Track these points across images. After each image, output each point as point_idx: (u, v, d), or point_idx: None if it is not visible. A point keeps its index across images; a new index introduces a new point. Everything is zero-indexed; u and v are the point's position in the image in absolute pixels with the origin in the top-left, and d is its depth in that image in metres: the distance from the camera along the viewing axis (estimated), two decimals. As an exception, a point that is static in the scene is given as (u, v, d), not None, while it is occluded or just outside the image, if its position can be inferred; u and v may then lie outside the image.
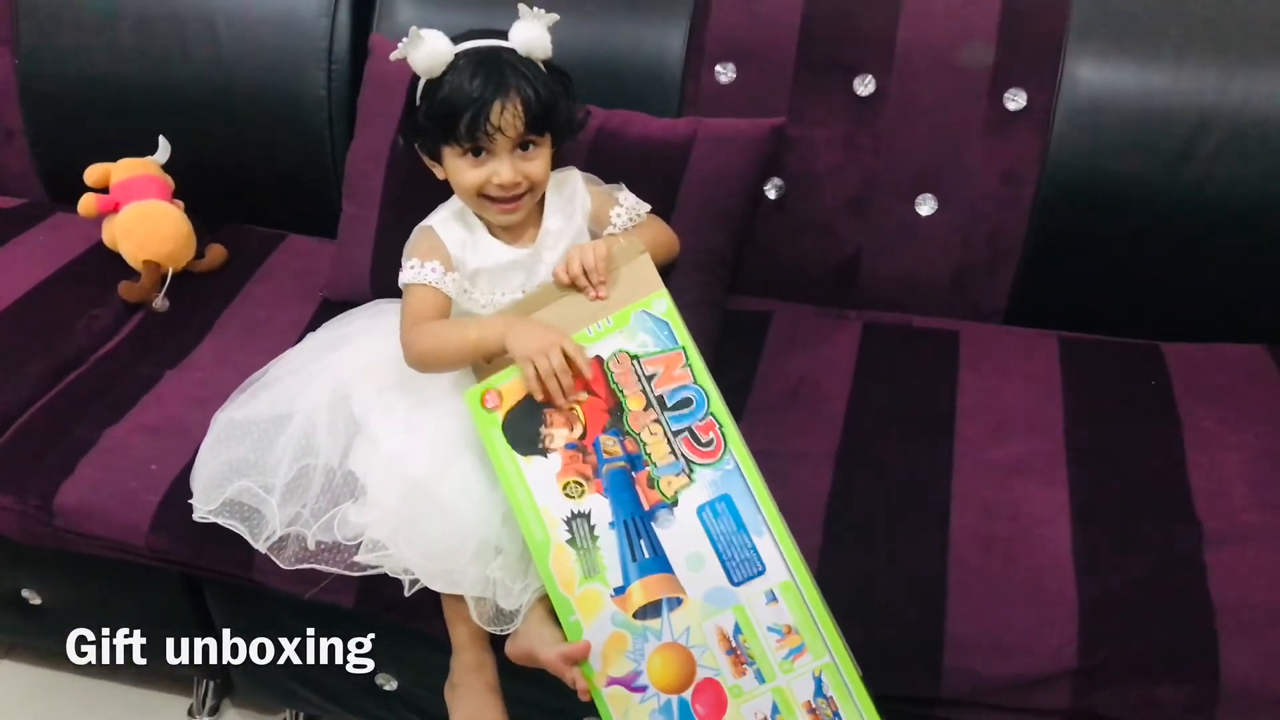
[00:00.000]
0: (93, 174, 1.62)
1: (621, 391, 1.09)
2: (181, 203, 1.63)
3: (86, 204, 1.60)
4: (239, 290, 1.57)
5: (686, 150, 1.41)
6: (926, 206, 1.50)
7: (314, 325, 1.40)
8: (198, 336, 1.48)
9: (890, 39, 1.46)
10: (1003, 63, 1.44)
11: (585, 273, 1.13)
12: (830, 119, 1.49)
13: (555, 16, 1.16)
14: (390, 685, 1.36)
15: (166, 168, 1.65)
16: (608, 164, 1.40)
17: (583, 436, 1.08)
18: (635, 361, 1.09)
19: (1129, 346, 1.45)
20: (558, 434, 1.08)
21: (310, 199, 1.68)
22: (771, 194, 1.53)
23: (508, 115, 1.12)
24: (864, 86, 1.48)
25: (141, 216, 1.56)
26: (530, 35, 1.15)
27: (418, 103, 1.18)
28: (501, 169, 1.15)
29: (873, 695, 1.04)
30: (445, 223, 1.22)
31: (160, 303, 1.54)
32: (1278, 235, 1.40)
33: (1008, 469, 1.26)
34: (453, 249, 1.20)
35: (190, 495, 1.20)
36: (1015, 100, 1.45)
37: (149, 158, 1.64)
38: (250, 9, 1.64)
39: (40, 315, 1.51)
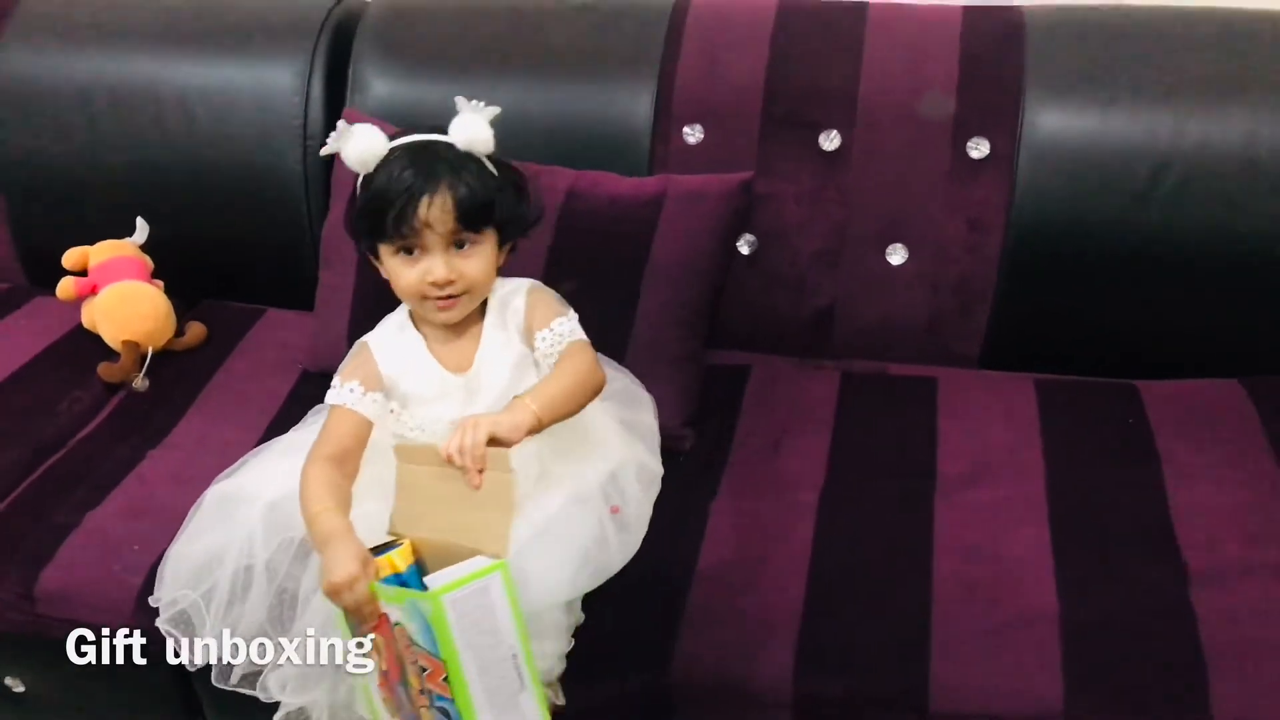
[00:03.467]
0: (70, 257, 1.63)
1: (403, 663, 0.98)
2: (161, 282, 1.64)
3: (65, 287, 1.61)
4: (219, 366, 1.57)
5: (657, 207, 1.42)
6: (897, 256, 1.52)
7: (293, 398, 1.40)
8: (178, 414, 1.48)
9: (853, 94, 1.49)
10: (964, 113, 1.47)
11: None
12: (798, 174, 1.52)
13: (496, 109, 1.09)
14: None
15: (145, 248, 1.66)
16: (579, 224, 1.42)
17: (386, 672, 1.01)
18: (412, 647, 0.97)
19: (1105, 386, 1.46)
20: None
21: (289, 273, 1.69)
22: (744, 249, 1.55)
23: (435, 210, 1.05)
24: (829, 142, 1.50)
25: (120, 298, 1.57)
26: (469, 129, 1.08)
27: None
28: (435, 266, 1.08)
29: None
30: (383, 339, 1.16)
31: (140, 382, 1.54)
32: (1241, 271, 1.42)
33: (989, 512, 1.26)
34: (386, 367, 1.14)
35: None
36: (978, 149, 1.47)
37: (127, 239, 1.65)
38: (225, 88, 1.66)
39: (21, 399, 1.51)
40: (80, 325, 1.63)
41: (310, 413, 1.33)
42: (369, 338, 1.17)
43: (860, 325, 1.55)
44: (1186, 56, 1.46)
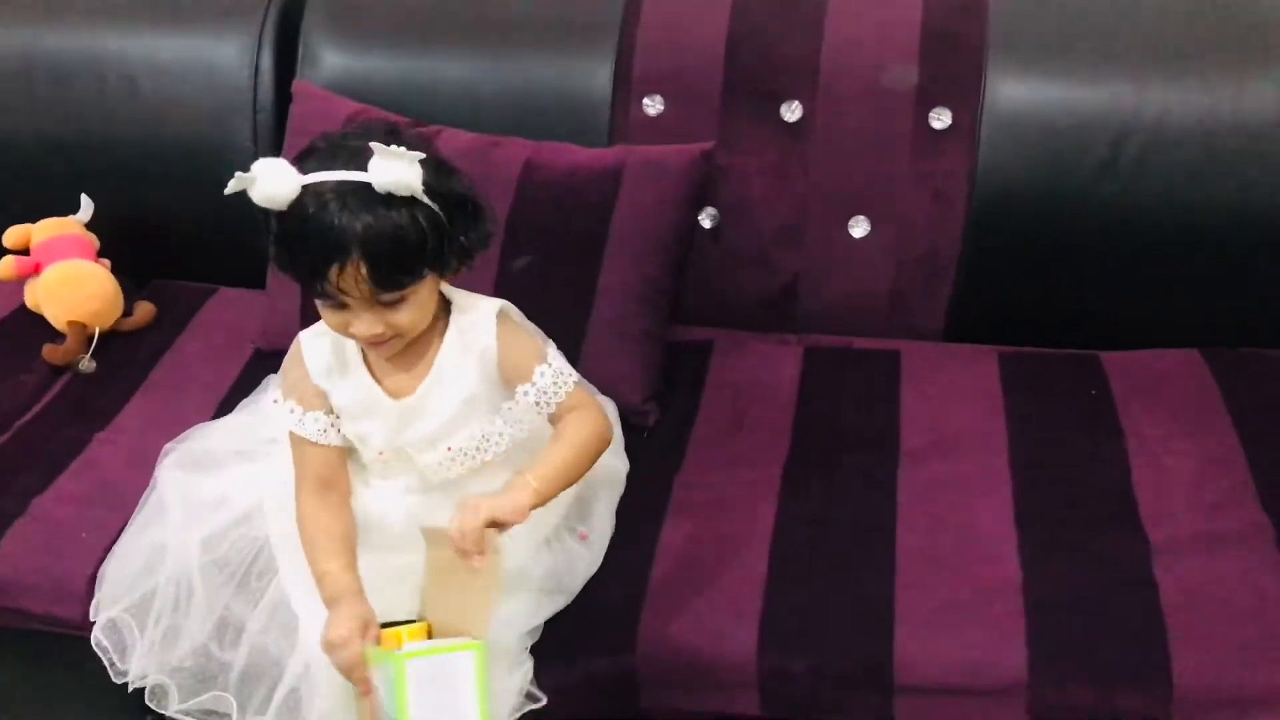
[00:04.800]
0: (11, 236, 1.58)
1: None
2: (108, 261, 1.60)
3: (6, 267, 1.56)
4: (168, 347, 1.53)
5: (617, 179, 1.40)
6: (860, 229, 1.50)
7: (244, 378, 1.37)
8: (126, 396, 1.44)
9: (814, 65, 1.47)
10: (926, 83, 1.46)
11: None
12: (760, 147, 1.50)
13: (419, 155, 0.94)
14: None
15: (91, 226, 1.62)
16: (537, 196, 1.40)
17: None
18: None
19: (1068, 357, 1.46)
20: None
21: (240, 250, 1.63)
22: (706, 223, 1.53)
23: (348, 279, 0.95)
24: (791, 113, 1.49)
25: (64, 277, 1.53)
26: (390, 173, 0.93)
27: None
28: (358, 323, 0.99)
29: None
30: (318, 341, 1.08)
31: (87, 364, 1.50)
32: (1201, 240, 1.42)
33: (953, 486, 1.26)
34: (317, 375, 1.07)
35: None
36: (940, 119, 1.46)
37: (71, 217, 1.61)
38: (172, 61, 1.62)
39: (-39, 384, 1.47)
40: (23, 306, 1.58)
41: (257, 390, 1.31)
42: (304, 335, 1.09)
43: (824, 299, 1.53)
44: (1147, 27, 1.45)
